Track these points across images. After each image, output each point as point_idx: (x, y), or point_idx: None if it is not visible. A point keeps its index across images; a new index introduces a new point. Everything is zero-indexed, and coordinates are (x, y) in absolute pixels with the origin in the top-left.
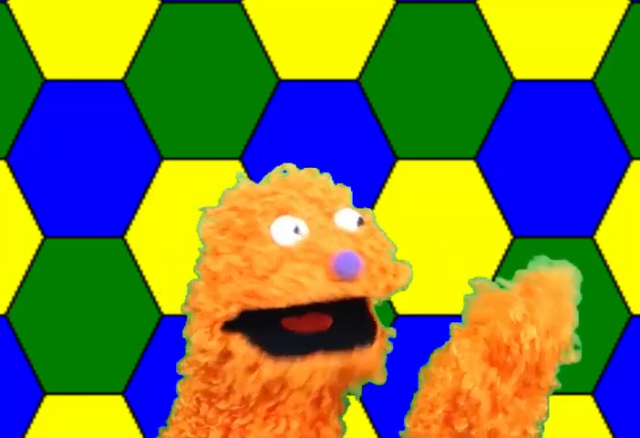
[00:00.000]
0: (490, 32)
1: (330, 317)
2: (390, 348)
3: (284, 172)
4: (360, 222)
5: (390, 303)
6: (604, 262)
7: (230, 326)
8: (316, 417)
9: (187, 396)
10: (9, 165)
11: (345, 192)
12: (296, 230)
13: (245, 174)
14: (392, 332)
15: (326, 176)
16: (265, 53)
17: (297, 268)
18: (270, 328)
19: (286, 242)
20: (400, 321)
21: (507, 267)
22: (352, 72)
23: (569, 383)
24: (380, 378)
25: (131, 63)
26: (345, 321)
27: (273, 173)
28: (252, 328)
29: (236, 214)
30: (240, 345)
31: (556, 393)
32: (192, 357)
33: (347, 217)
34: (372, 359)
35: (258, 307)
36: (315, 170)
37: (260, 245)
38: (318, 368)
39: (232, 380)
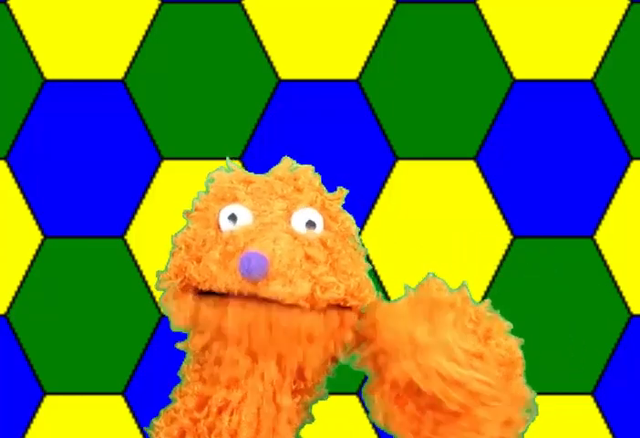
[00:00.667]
0: (490, 32)
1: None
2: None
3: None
4: (310, 224)
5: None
6: (604, 262)
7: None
8: (272, 391)
9: (188, 365)
10: (9, 165)
11: (325, 196)
12: (233, 218)
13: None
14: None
15: (315, 176)
16: (265, 53)
17: (214, 257)
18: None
19: (225, 229)
20: None
21: (507, 267)
22: (352, 72)
23: (569, 383)
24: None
25: (131, 63)
26: None
27: (276, 165)
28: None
29: (203, 196)
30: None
31: (556, 393)
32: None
33: (303, 217)
34: (291, 314)
35: (193, 286)
36: (310, 168)
37: (203, 228)
38: (230, 305)
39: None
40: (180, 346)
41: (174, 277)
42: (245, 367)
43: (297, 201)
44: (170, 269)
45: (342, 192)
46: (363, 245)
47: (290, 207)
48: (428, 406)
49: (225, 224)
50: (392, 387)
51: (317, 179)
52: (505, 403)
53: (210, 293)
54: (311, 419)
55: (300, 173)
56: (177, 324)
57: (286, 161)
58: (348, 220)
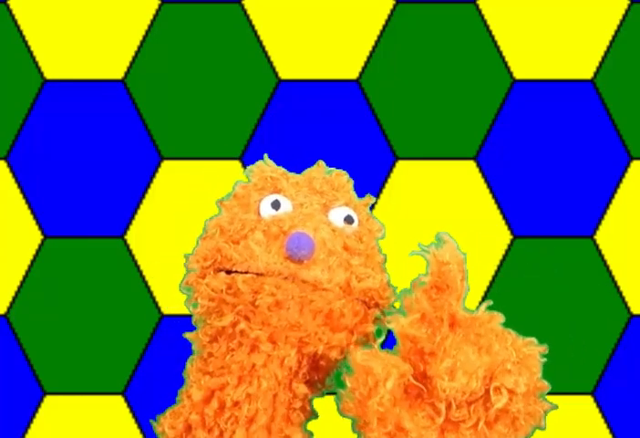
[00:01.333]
0: (490, 32)
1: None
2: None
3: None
4: (349, 219)
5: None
6: (604, 262)
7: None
8: (289, 378)
9: (191, 364)
10: (9, 165)
11: (355, 198)
12: (276, 205)
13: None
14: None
15: (348, 180)
16: (265, 53)
17: (258, 237)
18: None
19: (266, 215)
20: None
21: (507, 267)
22: (352, 72)
23: (569, 383)
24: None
25: (131, 63)
26: None
27: (310, 168)
28: None
29: (242, 185)
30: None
31: (556, 393)
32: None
33: (341, 214)
34: (325, 297)
35: (225, 268)
36: (344, 172)
37: (243, 213)
38: (266, 283)
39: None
40: (188, 335)
41: (202, 260)
42: (266, 352)
43: (334, 198)
44: (200, 252)
45: (370, 198)
46: (381, 251)
47: (328, 203)
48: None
49: (266, 210)
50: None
51: (350, 183)
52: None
53: (241, 272)
54: (315, 415)
55: (334, 176)
56: (202, 302)
57: (320, 165)
58: (377, 223)
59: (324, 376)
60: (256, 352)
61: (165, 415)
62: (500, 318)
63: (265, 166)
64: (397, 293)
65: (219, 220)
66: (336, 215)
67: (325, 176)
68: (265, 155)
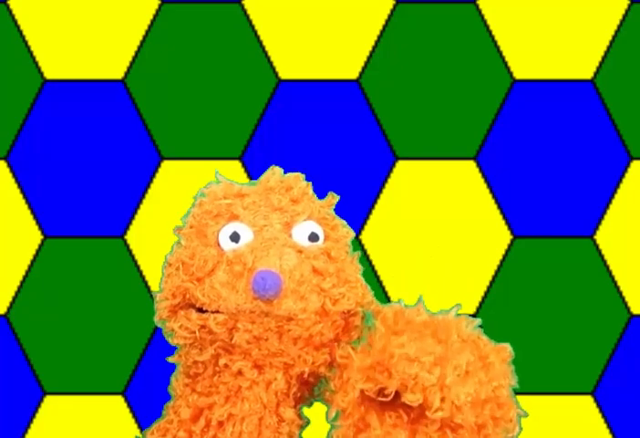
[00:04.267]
0: (490, 32)
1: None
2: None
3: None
4: (313, 237)
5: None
6: (604, 262)
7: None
8: (276, 402)
9: (176, 379)
10: (9, 165)
11: (318, 204)
12: (235, 238)
13: (243, 173)
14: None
15: (307, 184)
16: (265, 53)
17: (222, 279)
18: None
19: (227, 248)
20: None
21: (507, 267)
22: (352, 72)
23: (569, 383)
24: (319, 337)
25: (131, 63)
26: None
27: (264, 175)
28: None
29: (197, 213)
30: (188, 313)
31: (556, 393)
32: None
33: (305, 231)
34: (288, 306)
35: (194, 304)
36: (301, 176)
37: (203, 246)
38: (240, 321)
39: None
40: (172, 359)
41: (172, 298)
42: (251, 378)
43: (296, 213)
44: (167, 289)
45: (333, 198)
46: (353, 249)
47: (289, 220)
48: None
49: (227, 244)
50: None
51: (309, 187)
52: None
53: (211, 311)
54: (307, 422)
55: (292, 182)
56: (178, 341)
57: (275, 170)
58: (343, 226)
59: (311, 389)
60: (242, 376)
61: (152, 431)
62: (469, 321)
63: (217, 189)
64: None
65: (179, 254)
66: (300, 233)
67: (282, 184)
68: (217, 172)
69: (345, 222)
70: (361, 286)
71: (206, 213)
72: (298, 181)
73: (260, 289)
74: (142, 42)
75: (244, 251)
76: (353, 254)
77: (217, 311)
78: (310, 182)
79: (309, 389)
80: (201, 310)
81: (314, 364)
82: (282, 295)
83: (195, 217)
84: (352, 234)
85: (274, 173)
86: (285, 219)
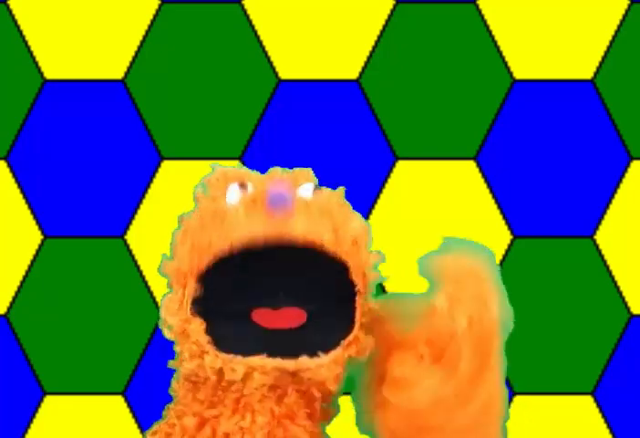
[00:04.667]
0: (490, 32)
1: (305, 312)
2: (365, 353)
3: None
4: (317, 188)
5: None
6: (604, 262)
7: (203, 312)
8: (284, 414)
9: (177, 382)
10: (9, 165)
11: (314, 180)
12: (242, 186)
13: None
14: (370, 341)
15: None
16: (265, 53)
17: (234, 209)
18: (238, 320)
19: (234, 198)
20: None
21: (507, 267)
22: (352, 72)
23: (569, 383)
24: (332, 387)
25: (131, 63)
26: (322, 320)
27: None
28: (220, 318)
29: (202, 190)
30: (196, 330)
31: (556, 393)
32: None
33: (308, 187)
34: (318, 371)
35: (205, 263)
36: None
37: (210, 205)
38: (255, 367)
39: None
40: (172, 365)
41: (176, 272)
42: (262, 394)
43: (297, 181)
44: (174, 263)
45: (340, 190)
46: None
47: (293, 184)
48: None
49: (234, 193)
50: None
51: (311, 172)
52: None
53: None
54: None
55: (294, 171)
56: (187, 366)
57: (276, 170)
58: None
59: (325, 406)
60: (252, 394)
61: (153, 431)
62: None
63: (221, 167)
64: (381, 253)
65: (185, 225)
66: (305, 190)
67: (285, 172)
68: (211, 165)
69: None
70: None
71: (212, 189)
72: (299, 170)
73: (275, 200)
74: (142, 42)
75: (253, 189)
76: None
77: (230, 253)
78: (310, 170)
79: (322, 405)
80: (205, 284)
81: (327, 390)
82: (295, 216)
83: (202, 197)
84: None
85: (276, 170)
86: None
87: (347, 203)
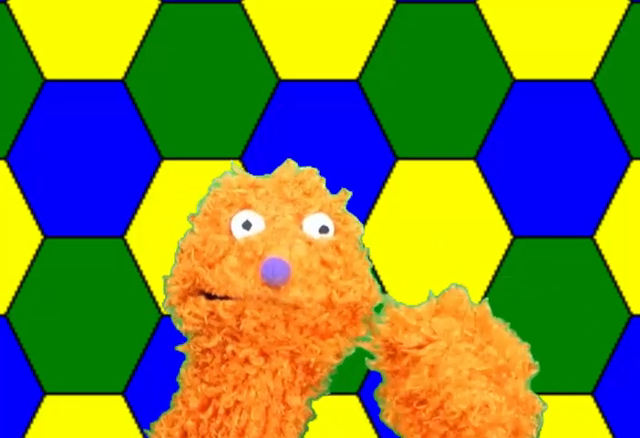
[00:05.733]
0: (490, 32)
1: None
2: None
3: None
4: (323, 230)
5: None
6: (604, 262)
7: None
8: (282, 391)
9: (185, 369)
10: (9, 165)
11: (330, 198)
12: (247, 226)
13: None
14: (375, 290)
15: (320, 179)
16: (265, 53)
17: (233, 264)
18: None
19: (238, 236)
20: None
21: (507, 267)
22: (352, 72)
23: (569, 383)
24: (325, 327)
25: (131, 63)
26: None
27: (279, 168)
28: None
29: (211, 201)
30: (195, 301)
31: (556, 393)
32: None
33: (315, 223)
34: (313, 308)
35: (204, 291)
36: (315, 170)
37: (215, 234)
38: (248, 304)
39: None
40: (180, 348)
41: (182, 282)
42: (258, 366)
43: (308, 206)
44: (178, 274)
45: (346, 194)
46: (363, 246)
47: (301, 212)
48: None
49: (238, 231)
50: (406, 394)
51: (323, 182)
52: (504, 407)
53: (220, 297)
54: (313, 415)
55: (305, 176)
56: (187, 328)
57: (290, 164)
58: (354, 221)
59: (319, 380)
60: (248, 364)
61: (160, 422)
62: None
63: (232, 179)
64: (382, 293)
65: (191, 240)
66: (311, 225)
67: (295, 177)
68: (232, 163)
69: (356, 218)
70: (368, 281)
71: (220, 202)
72: (312, 175)
73: (269, 275)
74: (142, 42)
75: (255, 239)
76: (362, 249)
77: (226, 297)
78: (323, 178)
79: (316, 379)
80: (210, 297)
81: (320, 354)
82: (289, 283)
83: (209, 205)
84: (362, 229)
85: (289, 167)
86: (297, 211)
87: (356, 234)
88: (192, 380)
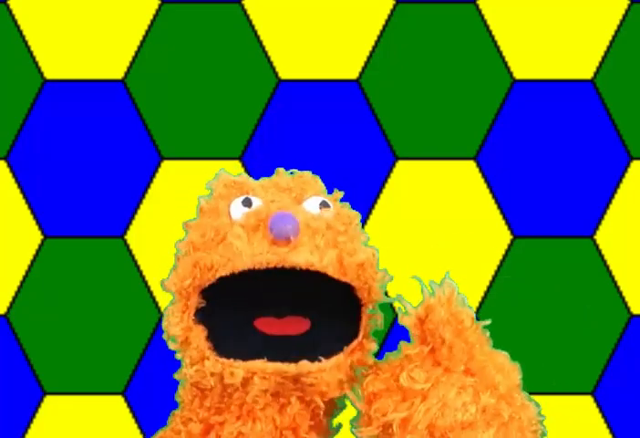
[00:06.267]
0: (490, 32)
1: (308, 320)
2: (369, 360)
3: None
4: (324, 204)
5: (392, 306)
6: (604, 262)
7: (206, 320)
8: (286, 425)
9: (184, 388)
10: (9, 165)
11: (321, 187)
12: (247, 203)
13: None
14: (373, 346)
15: (314, 177)
16: (265, 53)
17: (237, 232)
18: (240, 328)
19: (238, 215)
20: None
21: (507, 267)
22: (352, 72)
23: (569, 383)
24: (334, 393)
25: (131, 63)
26: (325, 328)
27: (271, 177)
28: (222, 325)
29: (207, 200)
30: (197, 337)
31: (556, 393)
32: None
33: (315, 202)
34: (319, 376)
35: (208, 281)
36: (307, 173)
37: (214, 220)
38: (255, 371)
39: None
40: (178, 377)
41: (180, 282)
42: (265, 402)
43: (304, 192)
44: (176, 273)
45: (338, 193)
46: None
47: (298, 197)
48: None
49: (238, 209)
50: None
51: (318, 179)
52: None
53: (226, 280)
54: (336, 431)
55: (299, 174)
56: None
57: (281, 172)
58: (354, 212)
59: (330, 411)
60: (256, 403)
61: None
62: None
63: (226, 175)
64: (388, 273)
65: (189, 238)
66: (311, 204)
67: (290, 177)
68: (222, 169)
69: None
70: (376, 257)
71: (217, 197)
72: (305, 174)
73: (279, 224)
74: (142, 42)
75: (258, 209)
76: (364, 234)
77: (232, 274)
78: (317, 176)
79: (326, 410)
80: (208, 296)
81: (329, 399)
82: (298, 243)
83: (205, 204)
84: (359, 215)
85: (280, 174)
86: (294, 195)
87: (355, 219)
88: (193, 402)
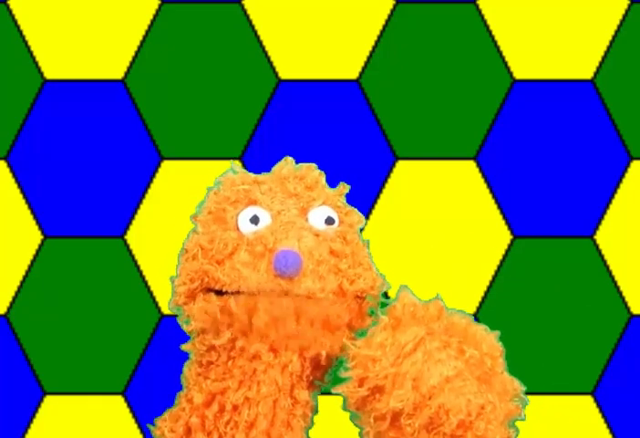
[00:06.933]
0: (490, 32)
1: None
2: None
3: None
4: (329, 221)
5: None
6: (604, 262)
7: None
8: (290, 385)
9: (189, 368)
10: (9, 165)
11: (330, 192)
12: (255, 220)
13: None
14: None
15: (320, 174)
16: (265, 53)
17: (244, 259)
18: None
19: (246, 231)
20: None
21: (507, 267)
22: (352, 72)
23: (569, 383)
24: (338, 320)
25: (131, 63)
26: None
27: (277, 164)
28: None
29: (215, 199)
30: (208, 296)
31: (556, 393)
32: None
33: (321, 215)
34: (324, 299)
35: (212, 287)
36: (313, 166)
37: (222, 231)
38: (258, 299)
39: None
40: (185, 347)
41: (189, 282)
42: (267, 361)
43: (311, 199)
44: (184, 275)
45: (344, 187)
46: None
47: (305, 205)
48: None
49: (246, 226)
50: (387, 411)
51: (322, 176)
52: (497, 404)
53: (231, 292)
54: (315, 410)
55: (305, 172)
56: (197, 325)
57: (288, 161)
58: (356, 213)
59: (323, 374)
60: (258, 359)
61: (163, 418)
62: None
63: (234, 177)
64: (386, 281)
65: (198, 239)
66: (316, 217)
67: (295, 173)
68: (232, 163)
69: (356, 209)
70: (376, 273)
71: (224, 200)
72: (311, 170)
73: (281, 267)
74: (142, 42)
75: (265, 233)
76: (364, 241)
77: (237, 292)
78: (323, 172)
79: (322, 373)
80: (219, 293)
81: (329, 347)
82: (301, 274)
83: (213, 204)
84: (364, 219)
85: (288, 163)
86: (301, 204)
87: (358, 225)
88: (196, 379)
